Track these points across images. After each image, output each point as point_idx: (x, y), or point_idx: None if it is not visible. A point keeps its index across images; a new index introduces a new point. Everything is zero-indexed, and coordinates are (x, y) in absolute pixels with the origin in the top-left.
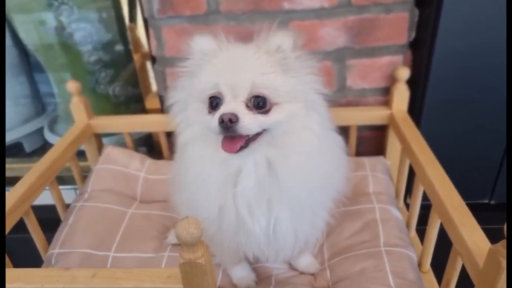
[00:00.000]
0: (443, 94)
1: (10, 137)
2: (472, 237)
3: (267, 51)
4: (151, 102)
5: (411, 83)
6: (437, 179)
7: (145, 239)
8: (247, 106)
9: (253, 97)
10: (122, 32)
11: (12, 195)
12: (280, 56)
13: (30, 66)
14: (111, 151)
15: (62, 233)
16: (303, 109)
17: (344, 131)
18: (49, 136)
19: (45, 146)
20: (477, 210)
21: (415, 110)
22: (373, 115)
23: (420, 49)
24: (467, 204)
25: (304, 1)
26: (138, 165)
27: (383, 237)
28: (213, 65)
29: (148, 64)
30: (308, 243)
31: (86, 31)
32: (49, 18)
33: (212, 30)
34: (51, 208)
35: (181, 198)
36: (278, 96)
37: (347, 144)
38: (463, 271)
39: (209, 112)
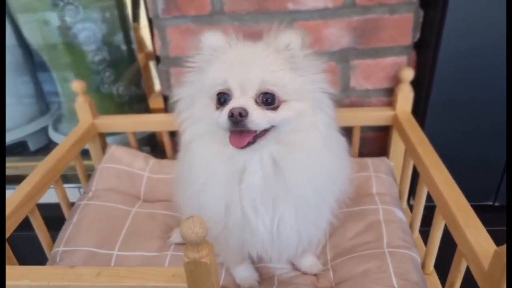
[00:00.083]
0: (448, 95)
1: (15, 136)
2: (477, 238)
3: (276, 49)
4: (155, 102)
5: (415, 84)
6: (442, 180)
7: (149, 238)
8: (256, 102)
9: (261, 93)
10: (126, 32)
11: (17, 193)
12: (289, 54)
13: (34, 65)
14: (115, 150)
15: (66, 231)
16: (311, 107)
17: (347, 131)
18: (53, 135)
19: (49, 145)
20: (481, 212)
21: (419, 111)
22: (376, 116)
23: (425, 50)
24: (471, 206)
25: (308, 2)
26: (142, 164)
27: (387, 238)
28: (222, 61)
29: (152, 64)
30: (311, 243)
31: (91, 31)
32: (54, 18)
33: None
34: (55, 206)
35: (184, 196)
36: (286, 94)
37: (350, 144)
38: (467, 273)
39: (217, 108)
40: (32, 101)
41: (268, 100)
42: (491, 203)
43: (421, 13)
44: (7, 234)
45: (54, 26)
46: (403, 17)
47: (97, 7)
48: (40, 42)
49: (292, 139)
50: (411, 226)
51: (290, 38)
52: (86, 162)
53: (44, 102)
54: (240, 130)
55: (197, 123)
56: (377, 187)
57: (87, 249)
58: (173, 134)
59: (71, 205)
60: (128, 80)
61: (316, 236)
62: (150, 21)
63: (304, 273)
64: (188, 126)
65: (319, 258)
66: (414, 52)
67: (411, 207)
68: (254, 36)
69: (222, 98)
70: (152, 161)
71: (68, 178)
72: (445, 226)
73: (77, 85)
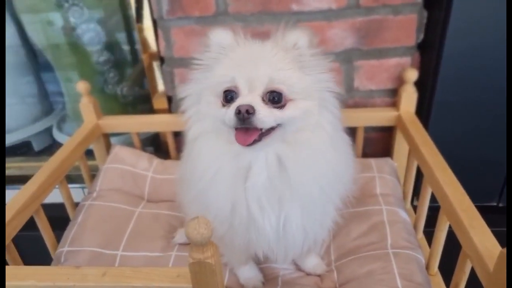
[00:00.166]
0: (452, 95)
1: (19, 136)
2: (482, 239)
3: (284, 48)
4: (159, 102)
5: (419, 84)
6: (446, 181)
7: (153, 238)
8: (263, 100)
9: (269, 92)
10: (130, 32)
11: (23, 193)
12: (296, 53)
13: (38, 65)
14: (119, 150)
15: (71, 231)
16: (317, 107)
17: (351, 132)
18: (57, 135)
19: (53, 145)
20: (486, 213)
21: (423, 111)
22: (380, 117)
23: (429, 51)
24: (475, 207)
25: (312, 3)
26: (146, 164)
27: (391, 239)
28: (230, 59)
29: (156, 65)
30: (316, 242)
31: (95, 31)
32: (59, 18)
33: None
34: (59, 207)
35: (189, 196)
36: (293, 93)
37: (354, 145)
38: (472, 274)
39: (223, 106)
40: (36, 101)
41: (275, 99)
42: (495, 204)
43: (425, 13)
44: (13, 234)
45: (59, 26)
46: (407, 18)
47: (101, 8)
48: (44, 43)
49: (298, 138)
50: (415, 227)
51: (298, 37)
52: (90, 163)
53: (48, 103)
54: (246, 127)
55: (203, 120)
56: (381, 187)
57: (91, 249)
58: (177, 135)
59: (76, 205)
60: (132, 80)
61: (321, 235)
62: (154, 22)
63: (308, 274)
64: (194, 123)
65: (323, 258)
66: (418, 53)
67: (415, 208)
68: (259, 37)
69: (229, 96)
70: (156, 161)
71: (72, 178)
72: (450, 227)
73: (81, 86)
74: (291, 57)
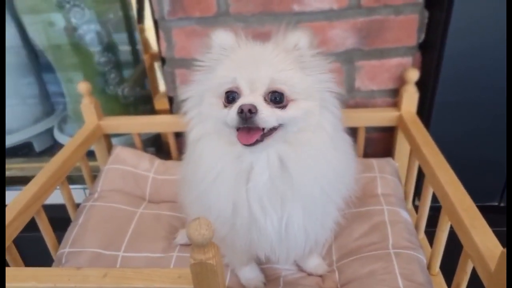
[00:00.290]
0: (453, 95)
1: (20, 137)
2: (483, 239)
3: (285, 49)
4: (160, 103)
5: (420, 84)
6: (447, 181)
7: (154, 239)
8: (265, 100)
9: (270, 92)
10: (131, 33)
11: (24, 194)
12: (297, 54)
13: (39, 66)
14: (120, 151)
15: (72, 232)
16: (318, 107)
17: (352, 132)
18: (58, 136)
19: (54, 146)
20: (487, 212)
21: (424, 111)
22: (381, 117)
23: (430, 51)
24: (477, 206)
25: (313, 3)
26: (147, 165)
27: (392, 239)
28: (231, 60)
29: (157, 65)
30: (318, 243)
31: (96, 32)
32: (60, 19)
33: None
34: (60, 208)
35: (190, 197)
36: (295, 93)
37: (355, 145)
38: (473, 274)
39: (225, 107)
40: (37, 102)
41: (276, 99)
42: (496, 203)
43: (426, 14)
44: (14, 236)
45: (60, 27)
46: (408, 18)
47: (102, 9)
48: (45, 43)
49: (299, 139)
50: (416, 227)
51: (299, 37)
52: (91, 163)
53: (49, 103)
54: (248, 127)
55: (205, 121)
56: (382, 188)
57: (92, 250)
58: (178, 135)
59: (77, 206)
60: (133, 81)
61: (323, 236)
62: (155, 23)
63: (310, 274)
64: (195, 125)
65: (325, 259)
66: (419, 53)
67: (416, 207)
68: (260, 37)
69: (231, 97)
70: (157, 162)
71: (73, 179)
72: (451, 227)
73: (82, 87)
74: (292, 58)
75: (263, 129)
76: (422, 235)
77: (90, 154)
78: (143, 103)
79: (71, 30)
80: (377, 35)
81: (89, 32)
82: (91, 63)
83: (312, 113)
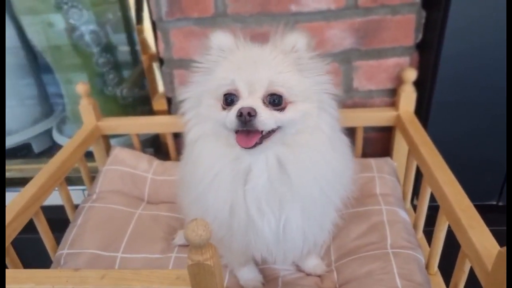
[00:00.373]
0: (450, 95)
1: (19, 138)
2: (480, 239)
3: (283, 51)
4: (159, 104)
5: (418, 84)
6: (445, 181)
7: (153, 240)
8: (263, 102)
9: (269, 94)
10: (130, 34)
11: (22, 196)
12: (295, 56)
13: (38, 67)
14: (119, 152)
15: (71, 233)
16: (316, 109)
17: (350, 132)
18: (57, 137)
19: (53, 147)
20: (485, 212)
21: (422, 111)
22: (379, 117)
23: (427, 51)
24: (475, 206)
25: (311, 3)
26: (145, 166)
27: (390, 239)
28: (230, 62)
29: (155, 66)
30: (316, 244)
31: (95, 33)
32: (58, 20)
33: None
34: (59, 209)
35: (189, 198)
36: (293, 95)
37: (353, 145)
38: (471, 273)
39: (223, 109)
40: (36, 103)
41: (275, 101)
42: (494, 202)
43: (424, 13)
44: (13, 237)
45: (58, 28)
46: (405, 18)
47: (101, 10)
48: (44, 44)
49: (297, 140)
50: (415, 226)
51: (296, 39)
52: (90, 164)
53: (48, 104)
54: (247, 130)
55: (203, 123)
56: (380, 187)
57: (91, 252)
58: (177, 136)
59: (75, 207)
60: (132, 82)
61: (321, 237)
62: (153, 24)
63: (308, 274)
64: (193, 126)
65: (323, 259)
66: (417, 53)
67: (414, 207)
68: (257, 38)
69: (229, 99)
70: (156, 162)
71: (72, 180)
72: (449, 226)
73: (81, 87)
74: (290, 60)
75: (262, 131)
76: (420, 234)
77: (89, 155)
78: (141, 103)
79: (69, 31)
80: (374, 35)
81: (88, 33)
82: (90, 63)
83: (310, 115)
